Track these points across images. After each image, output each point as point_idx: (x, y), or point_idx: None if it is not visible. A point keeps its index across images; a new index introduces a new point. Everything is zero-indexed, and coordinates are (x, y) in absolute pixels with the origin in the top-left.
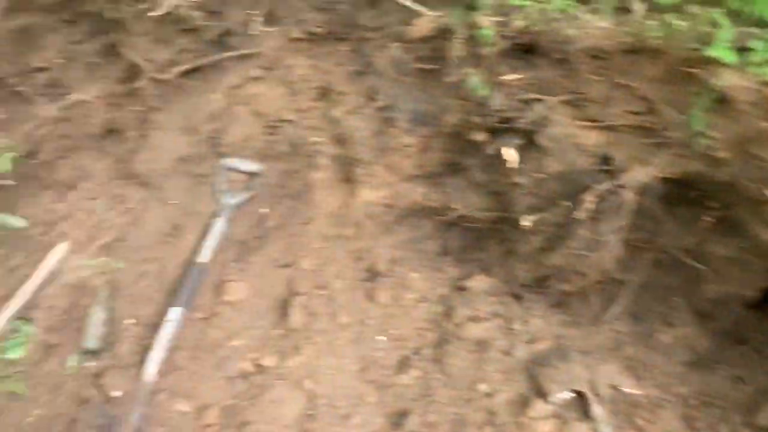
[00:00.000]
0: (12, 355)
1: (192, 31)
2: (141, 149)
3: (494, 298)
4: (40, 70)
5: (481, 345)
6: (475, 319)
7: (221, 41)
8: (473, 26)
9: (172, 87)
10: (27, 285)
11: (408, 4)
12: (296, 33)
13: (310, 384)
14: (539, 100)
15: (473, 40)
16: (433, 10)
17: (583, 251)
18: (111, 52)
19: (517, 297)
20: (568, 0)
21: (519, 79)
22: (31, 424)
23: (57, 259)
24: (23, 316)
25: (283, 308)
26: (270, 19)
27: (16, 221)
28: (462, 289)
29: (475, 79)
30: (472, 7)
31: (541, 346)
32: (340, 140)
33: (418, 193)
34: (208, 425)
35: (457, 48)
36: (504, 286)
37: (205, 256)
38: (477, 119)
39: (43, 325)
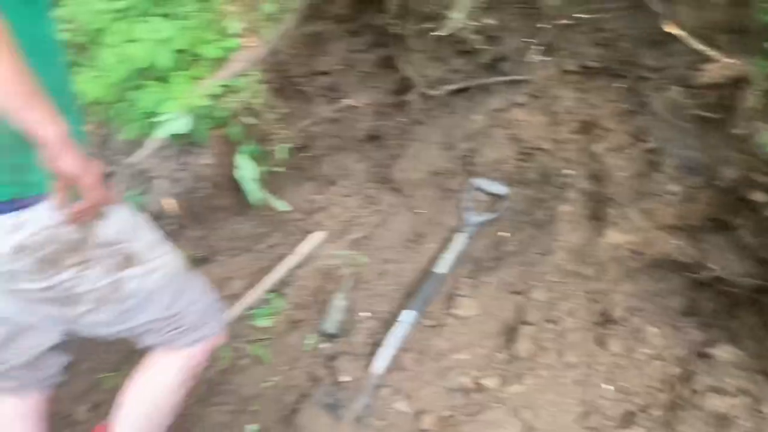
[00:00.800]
0: (261, 323)
1: (468, 53)
2: (399, 157)
3: (742, 372)
4: (323, 73)
5: (721, 420)
6: (717, 391)
7: (493, 65)
8: None
9: (438, 103)
10: (284, 263)
11: (700, 47)
12: (570, 65)
13: (528, 415)
14: None
15: None
16: (728, 56)
17: None
18: (386, 64)
19: None
20: None
21: None
22: (267, 389)
23: (313, 245)
24: (277, 290)
25: (510, 333)
26: (546, 48)
27: (282, 205)
28: (705, 355)
29: (766, 135)
30: None
31: None
32: (596, 177)
33: (671, 245)
34: (424, 431)
35: (750, 99)
36: (755, 362)
37: (442, 267)
38: (760, 177)
39: (292, 302)
